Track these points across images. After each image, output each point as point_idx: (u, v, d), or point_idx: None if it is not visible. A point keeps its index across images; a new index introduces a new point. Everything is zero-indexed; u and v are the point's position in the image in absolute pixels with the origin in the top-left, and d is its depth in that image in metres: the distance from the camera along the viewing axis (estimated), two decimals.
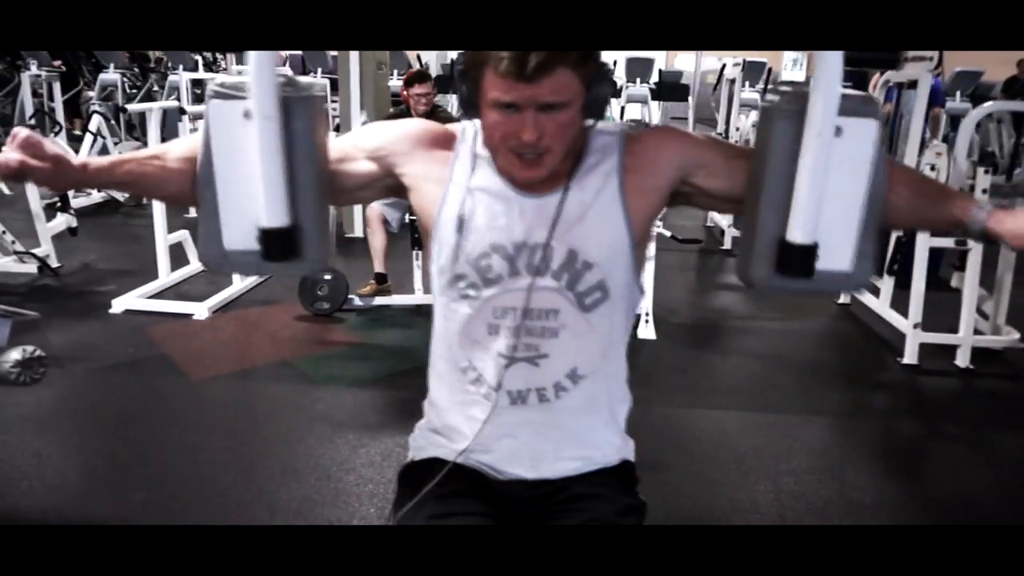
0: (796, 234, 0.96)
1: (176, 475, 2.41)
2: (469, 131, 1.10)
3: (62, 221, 4.53)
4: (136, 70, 7.63)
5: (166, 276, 4.14)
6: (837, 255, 0.99)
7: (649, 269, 3.74)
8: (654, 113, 8.30)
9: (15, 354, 1.69)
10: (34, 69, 5.51)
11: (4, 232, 4.06)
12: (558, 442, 1.13)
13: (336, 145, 1.11)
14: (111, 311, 3.79)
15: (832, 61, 0.92)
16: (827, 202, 0.95)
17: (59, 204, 4.52)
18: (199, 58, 6.71)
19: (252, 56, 0.96)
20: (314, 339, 3.61)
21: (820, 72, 0.92)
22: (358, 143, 1.12)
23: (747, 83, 6.35)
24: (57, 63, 6.90)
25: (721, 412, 2.99)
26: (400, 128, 1.14)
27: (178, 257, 4.23)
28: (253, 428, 2.78)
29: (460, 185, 1.08)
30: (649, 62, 7.42)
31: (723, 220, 5.61)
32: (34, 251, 4.14)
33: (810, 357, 3.68)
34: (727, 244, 5.48)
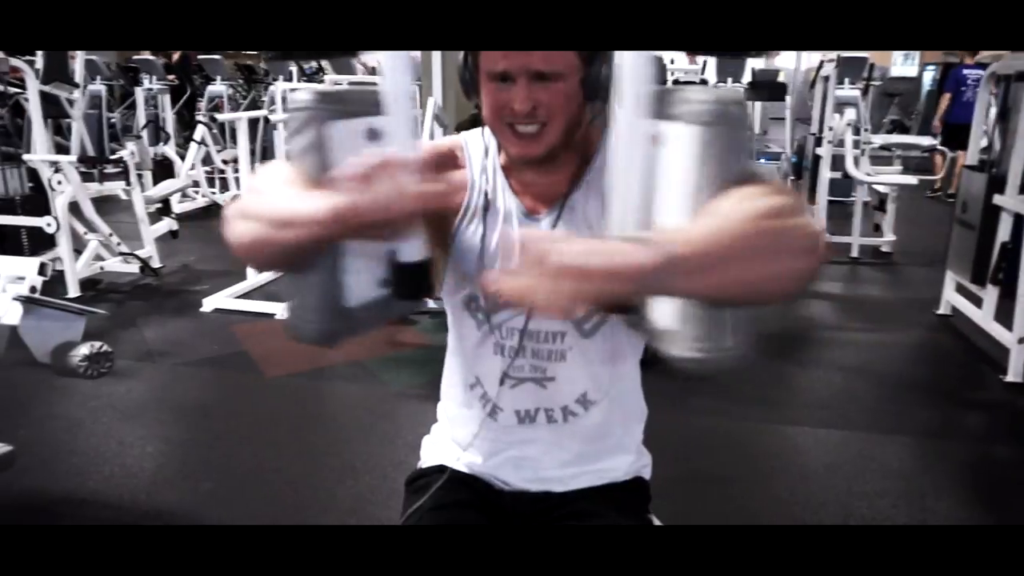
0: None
1: (242, 468, 2.52)
2: (471, 143, 1.07)
3: (164, 225, 4.85)
4: (241, 81, 8.06)
5: (254, 277, 4.35)
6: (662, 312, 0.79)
7: None
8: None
9: (84, 349, 1.81)
10: (147, 83, 5.95)
11: (111, 234, 4.38)
12: (565, 461, 1.10)
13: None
14: (202, 309, 4.02)
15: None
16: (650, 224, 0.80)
17: (161, 208, 4.83)
18: (294, 68, 7.01)
19: (388, 65, 0.83)
20: (386, 340, 3.69)
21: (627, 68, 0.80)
22: None
23: (846, 80, 6.01)
24: (170, 77, 7.40)
25: (795, 427, 2.84)
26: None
27: None
28: (319, 426, 2.87)
29: (478, 209, 1.05)
30: (740, 60, 7.15)
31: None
32: (137, 252, 4.44)
33: (899, 371, 3.44)
34: None
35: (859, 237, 5.11)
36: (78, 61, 5.42)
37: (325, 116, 0.83)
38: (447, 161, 1.06)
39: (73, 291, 4.18)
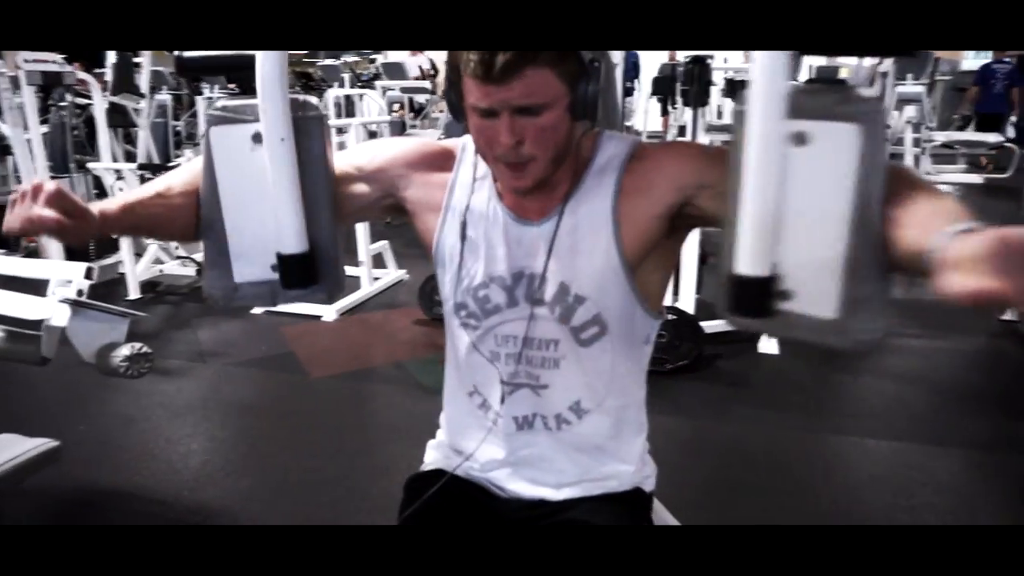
0: (743, 264, 0.78)
1: (281, 466, 2.58)
2: (469, 149, 1.07)
3: None
4: (299, 88, 8.28)
5: None
6: (816, 298, 0.77)
7: None
8: None
9: (125, 350, 1.87)
10: (207, 92, 6.18)
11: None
12: (562, 469, 1.09)
13: (336, 166, 1.05)
14: (253, 311, 4.14)
15: (773, 54, 0.75)
16: (797, 229, 0.77)
17: None
18: (347, 75, 7.16)
19: (262, 76, 0.92)
20: (429, 343, 3.73)
21: (759, 67, 0.75)
22: (358, 163, 1.08)
23: (909, 75, 5.78)
24: (232, 85, 7.64)
25: (840, 437, 2.74)
26: (397, 149, 1.10)
27: None
28: (358, 426, 2.92)
29: (457, 212, 1.05)
30: (796, 58, 6.95)
31: None
32: (194, 256, 4.60)
33: (956, 380, 3.29)
34: None
35: None
36: (144, 72, 5.67)
37: (215, 121, 0.98)
38: (434, 162, 1.08)
39: (133, 293, 4.37)
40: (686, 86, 3.60)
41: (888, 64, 5.14)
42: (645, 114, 8.88)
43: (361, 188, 1.08)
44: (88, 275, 2.05)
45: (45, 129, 5.43)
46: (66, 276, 1.98)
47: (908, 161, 4.74)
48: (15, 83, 4.17)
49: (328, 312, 4.03)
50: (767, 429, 2.78)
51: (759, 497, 2.34)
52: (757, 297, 0.78)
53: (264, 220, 0.98)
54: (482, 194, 1.04)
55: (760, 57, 0.75)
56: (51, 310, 1.94)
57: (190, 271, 4.61)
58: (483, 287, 1.04)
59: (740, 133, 0.79)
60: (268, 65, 0.92)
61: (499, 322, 1.05)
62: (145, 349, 2.08)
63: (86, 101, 5.54)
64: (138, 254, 4.41)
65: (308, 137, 0.97)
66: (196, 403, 3.11)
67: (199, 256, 4.70)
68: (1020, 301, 0.56)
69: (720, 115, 7.49)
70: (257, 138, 0.97)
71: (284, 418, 2.99)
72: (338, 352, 3.66)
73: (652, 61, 7.42)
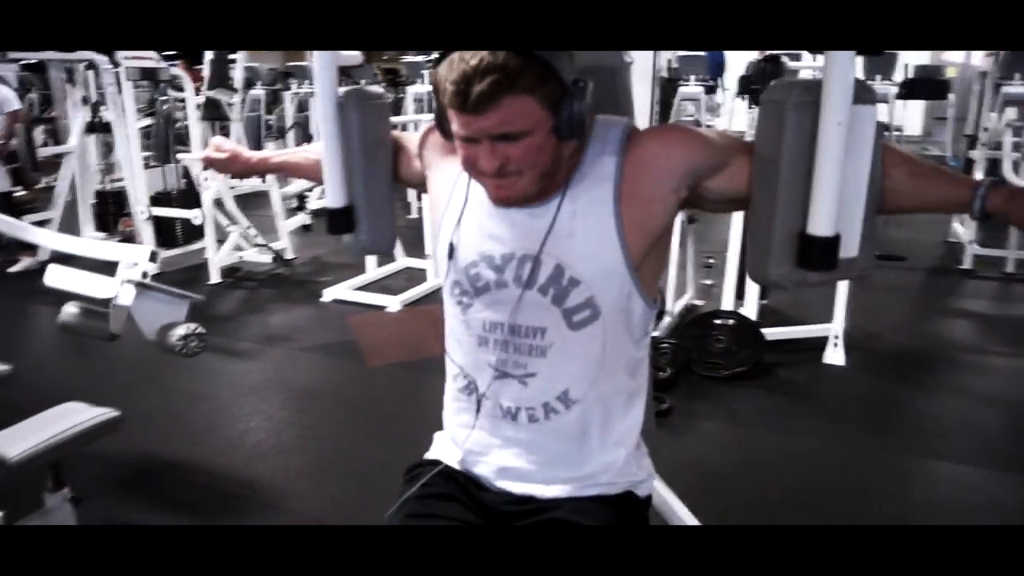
0: (819, 226, 0.93)
1: (330, 449, 2.68)
2: None
3: (299, 219, 5.22)
4: (385, 84, 8.50)
5: (373, 271, 4.59)
6: (847, 243, 0.95)
7: (843, 287, 3.38)
8: (902, 114, 7.37)
9: (181, 330, 1.98)
10: (294, 87, 6.46)
11: (249, 227, 4.78)
12: (548, 464, 1.09)
13: (405, 138, 1.26)
14: (322, 299, 4.29)
15: (845, 53, 0.88)
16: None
17: (298, 204, 5.21)
18: (426, 73, 7.31)
19: (316, 65, 1.18)
20: None
21: (833, 63, 0.88)
22: (413, 142, 1.23)
23: (1017, 75, 5.39)
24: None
25: (900, 456, 2.60)
26: (431, 135, 1.17)
27: (386, 254, 4.66)
28: (410, 415, 2.98)
29: (461, 193, 1.08)
30: (891, 57, 6.62)
31: (965, 235, 4.85)
32: (272, 244, 4.81)
33: None
34: (967, 263, 4.72)
35: (1016, 251, 4.59)
36: (238, 68, 5.96)
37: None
38: (452, 149, 1.09)
39: (215, 278, 4.61)
40: (756, 85, 3.49)
41: (989, 63, 4.82)
42: (731, 113, 8.68)
43: (411, 163, 1.24)
44: (152, 258, 2.18)
45: (149, 122, 5.81)
46: (133, 259, 2.12)
47: (1006, 166, 4.43)
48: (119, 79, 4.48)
49: (393, 303, 4.13)
50: (826, 443, 2.67)
51: (808, 513, 2.25)
52: (831, 253, 0.94)
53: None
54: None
55: (833, 55, 0.89)
56: (118, 290, 2.08)
57: (267, 258, 4.83)
58: (473, 265, 1.06)
59: (774, 122, 0.94)
60: (322, 62, 1.18)
61: (489, 302, 1.06)
62: (199, 329, 2.20)
63: (179, 94, 5.89)
64: (220, 241, 4.65)
65: (373, 118, 1.20)
66: (260, 384, 3.26)
67: (276, 245, 4.92)
68: None
69: None
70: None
71: (340, 403, 3.10)
72: (397, 342, 3.76)
73: (739, 60, 7.21)
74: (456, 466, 1.15)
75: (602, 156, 1.01)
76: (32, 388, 2.92)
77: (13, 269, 4.86)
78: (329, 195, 1.24)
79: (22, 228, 2.12)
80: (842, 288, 3.39)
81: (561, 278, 1.02)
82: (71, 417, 1.90)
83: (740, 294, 3.51)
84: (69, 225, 5.04)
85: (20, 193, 5.27)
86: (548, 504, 1.08)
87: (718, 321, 3.30)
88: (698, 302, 3.97)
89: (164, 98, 5.60)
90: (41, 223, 5.15)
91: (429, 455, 1.22)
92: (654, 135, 1.04)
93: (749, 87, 3.85)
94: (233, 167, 1.37)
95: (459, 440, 1.14)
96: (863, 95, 0.91)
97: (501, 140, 0.92)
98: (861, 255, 0.97)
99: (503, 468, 1.11)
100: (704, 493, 2.31)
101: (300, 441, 2.75)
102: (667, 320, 3.56)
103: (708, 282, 3.99)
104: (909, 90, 6.92)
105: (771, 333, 3.40)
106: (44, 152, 5.36)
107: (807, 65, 5.15)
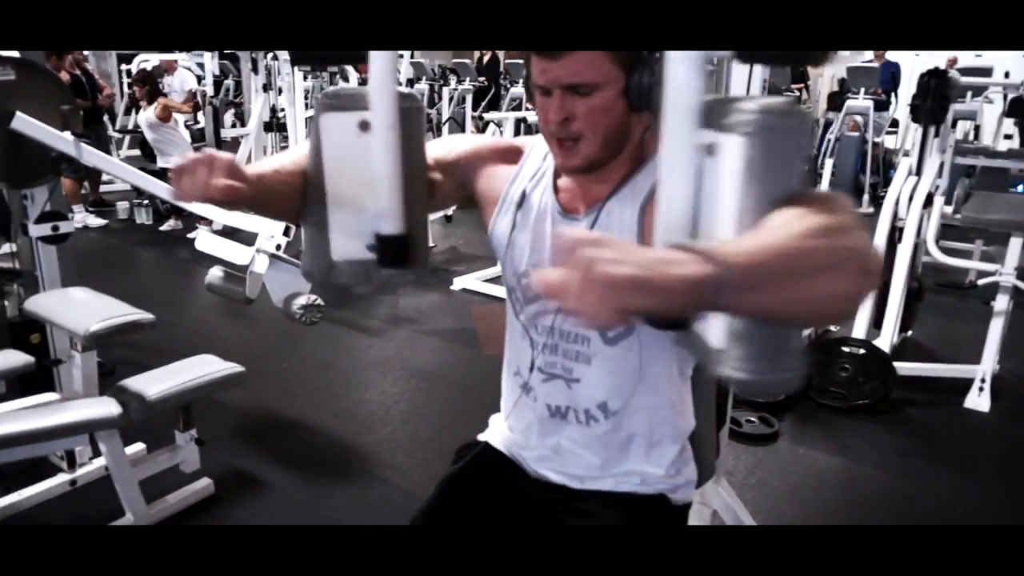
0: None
1: (433, 427, 2.81)
2: (538, 146, 1.12)
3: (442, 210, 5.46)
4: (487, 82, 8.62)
5: None
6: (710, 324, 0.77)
7: (996, 326, 3.07)
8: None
9: (302, 300, 2.18)
10: (454, 83, 6.76)
11: None
12: (587, 463, 1.11)
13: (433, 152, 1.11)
14: (452, 287, 4.48)
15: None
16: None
17: None
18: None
19: (376, 67, 0.96)
20: None
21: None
22: (436, 156, 1.11)
23: None
24: (480, 79, 8.23)
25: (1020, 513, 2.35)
26: (471, 144, 1.16)
27: None
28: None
29: (513, 202, 1.11)
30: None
31: None
32: None
33: None
34: None
35: None
36: (404, 63, 6.34)
37: (325, 108, 1.01)
38: (502, 156, 1.14)
39: None
40: (918, 101, 3.24)
41: None
42: (905, 130, 8.03)
43: (438, 178, 1.11)
44: (286, 232, 2.41)
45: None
46: (270, 232, 2.35)
47: None
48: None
49: None
50: (948, 494, 2.45)
51: None
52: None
53: (365, 202, 1.01)
54: (539, 188, 1.10)
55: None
56: (254, 259, 2.32)
57: None
58: (525, 275, 1.10)
59: None
60: (380, 62, 0.96)
61: (538, 311, 1.10)
62: (318, 301, 2.40)
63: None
64: None
65: (409, 127, 1.00)
66: (380, 360, 3.47)
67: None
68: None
69: (974, 134, 6.50)
70: (363, 126, 1.00)
71: (449, 386, 3.24)
72: None
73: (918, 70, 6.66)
74: (501, 448, 1.20)
75: (647, 173, 1.00)
76: (180, 339, 3.31)
77: (163, 228, 5.76)
78: (387, 220, 1.01)
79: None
80: (996, 327, 3.08)
81: None
82: (203, 367, 2.14)
83: (878, 323, 3.29)
84: None
85: None
86: (578, 495, 1.11)
87: (846, 349, 3.11)
88: (832, 327, 3.75)
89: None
90: None
91: (481, 436, 1.28)
92: None
93: (912, 102, 3.56)
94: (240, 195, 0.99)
95: (510, 426, 1.20)
96: (722, 122, 0.77)
97: (571, 92, 0.94)
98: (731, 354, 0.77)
99: (543, 457, 1.15)
100: (790, 521, 2.22)
101: (407, 416, 2.91)
102: None
103: None
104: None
105: (906, 368, 3.16)
106: (228, 133, 5.97)
107: (985, 81, 4.67)
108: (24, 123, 1.94)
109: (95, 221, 5.91)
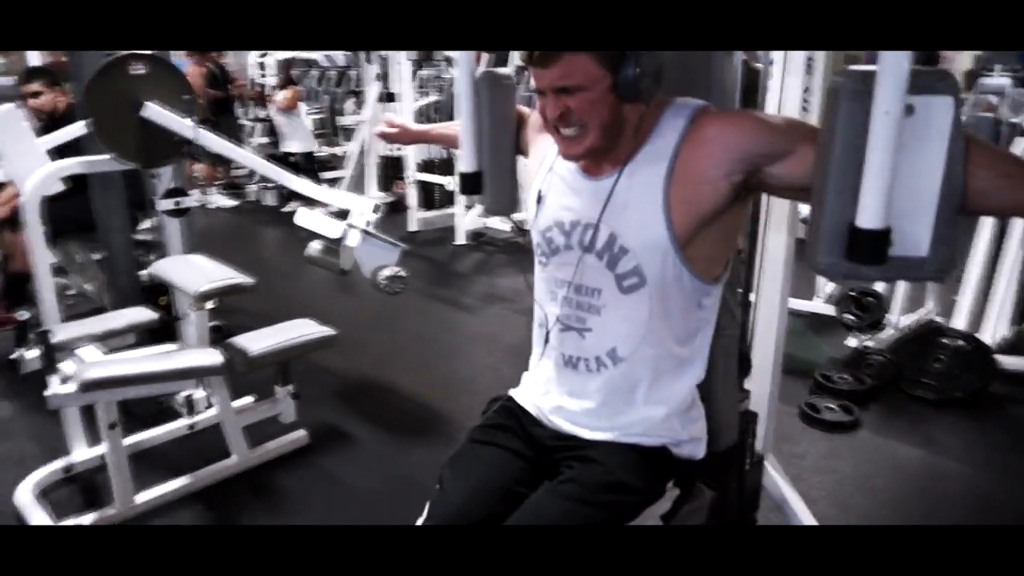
0: (866, 219, 0.91)
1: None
2: None
3: None
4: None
5: None
6: (913, 241, 0.93)
7: None
8: None
9: (387, 271, 2.37)
10: None
11: None
12: (595, 410, 1.21)
13: (526, 115, 1.37)
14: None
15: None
16: (900, 185, 0.89)
17: None
18: None
19: (461, 59, 1.33)
20: None
21: (885, 52, 0.87)
22: (530, 120, 1.35)
23: None
24: None
25: None
26: (531, 117, 1.34)
27: None
28: None
29: (546, 167, 1.24)
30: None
31: None
32: (513, 215, 5.23)
33: None
34: None
35: None
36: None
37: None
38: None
39: (460, 240, 5.16)
40: None
41: None
42: None
43: (524, 135, 1.37)
44: (375, 210, 2.62)
45: (437, 97, 6.57)
46: (361, 209, 2.56)
47: None
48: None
49: None
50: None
51: None
52: (878, 246, 0.92)
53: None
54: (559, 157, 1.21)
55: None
56: (347, 233, 2.54)
57: (508, 227, 5.26)
58: (549, 230, 1.21)
59: (835, 110, 0.92)
60: (464, 57, 1.32)
61: (560, 263, 1.20)
62: (401, 272, 2.59)
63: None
64: (469, 207, 5.17)
65: (501, 97, 1.33)
66: (472, 335, 3.66)
67: (517, 216, 5.33)
68: None
69: None
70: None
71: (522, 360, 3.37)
72: None
73: None
74: (522, 400, 1.32)
75: (665, 135, 1.10)
76: (293, 307, 3.61)
77: (284, 209, 6.18)
78: (463, 161, 1.40)
79: (287, 178, 2.66)
80: None
81: (613, 245, 1.13)
82: (300, 329, 2.38)
83: (981, 311, 3.12)
84: (357, 184, 5.95)
85: (321, 153, 6.34)
86: (586, 443, 1.21)
87: (944, 340, 2.98)
88: (939, 319, 3.57)
89: (448, 76, 6.32)
90: (334, 181, 6.17)
91: (511, 391, 1.40)
92: (716, 119, 1.08)
93: None
94: (403, 139, 1.66)
95: (532, 376, 1.31)
96: (935, 85, 0.88)
97: (562, 93, 1.06)
98: (932, 255, 0.93)
99: (558, 407, 1.25)
100: (857, 510, 2.19)
101: (490, 386, 3.01)
102: (888, 332, 3.29)
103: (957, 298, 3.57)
104: None
105: (1014, 363, 2.98)
106: (345, 121, 6.35)
107: None
108: (152, 111, 2.23)
109: (227, 202, 6.48)
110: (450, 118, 5.84)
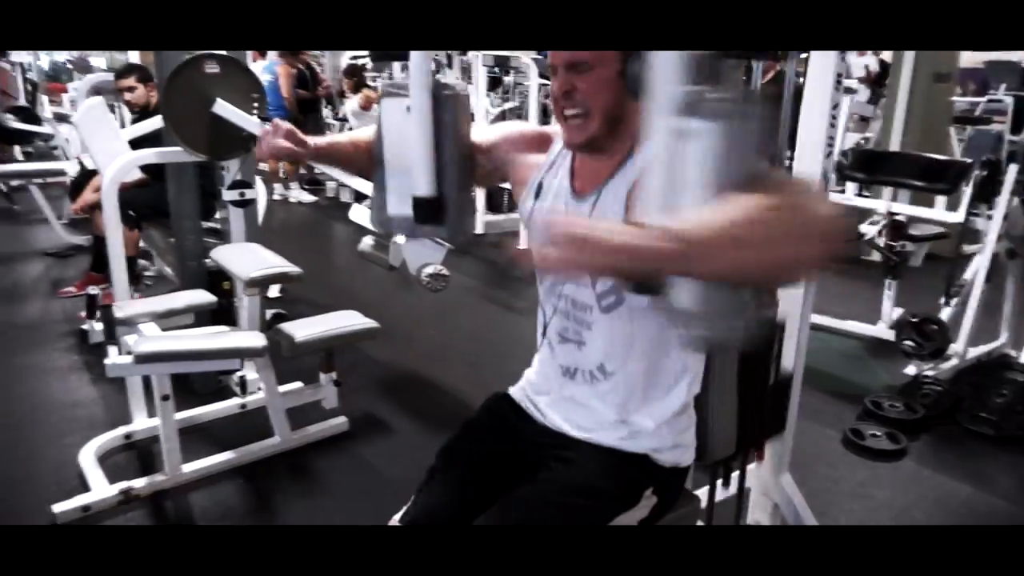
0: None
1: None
2: (561, 136, 1.24)
3: None
4: None
5: None
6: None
7: None
8: None
9: (430, 269, 2.44)
10: None
11: None
12: (586, 417, 1.24)
13: (474, 136, 1.29)
14: None
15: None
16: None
17: None
18: None
19: (413, 63, 1.19)
20: None
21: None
22: (483, 138, 1.31)
23: None
24: None
25: None
26: (506, 132, 1.34)
27: None
28: None
29: (536, 187, 1.26)
30: None
31: None
32: None
33: None
34: None
35: None
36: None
37: (385, 95, 1.27)
38: (533, 144, 1.29)
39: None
40: None
41: None
42: None
43: (481, 160, 1.32)
44: None
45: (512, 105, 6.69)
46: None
47: None
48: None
49: None
50: None
51: None
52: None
53: (411, 170, 1.25)
54: (559, 172, 1.24)
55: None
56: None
57: None
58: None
59: None
60: (417, 60, 1.20)
61: (554, 281, 1.24)
62: (443, 271, 2.66)
63: (542, 82, 6.65)
64: None
65: (444, 111, 1.22)
66: (521, 336, 3.64)
67: None
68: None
69: None
70: (410, 108, 1.23)
71: None
72: None
73: None
74: (516, 396, 1.36)
75: (637, 159, 1.10)
76: (351, 300, 3.74)
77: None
78: (419, 184, 1.23)
79: (345, 176, 2.79)
80: None
81: None
82: (346, 320, 2.49)
83: None
84: None
85: None
86: (571, 443, 1.23)
87: (1009, 373, 2.84)
88: (1012, 351, 3.40)
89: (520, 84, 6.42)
90: None
91: (510, 389, 1.44)
92: None
93: None
94: (302, 157, 1.37)
95: (534, 381, 1.35)
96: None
97: (572, 70, 1.09)
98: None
99: (555, 402, 1.29)
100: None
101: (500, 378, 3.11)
102: (952, 362, 3.15)
103: None
104: None
105: None
106: None
107: None
108: (222, 108, 2.39)
109: (307, 197, 6.76)
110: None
